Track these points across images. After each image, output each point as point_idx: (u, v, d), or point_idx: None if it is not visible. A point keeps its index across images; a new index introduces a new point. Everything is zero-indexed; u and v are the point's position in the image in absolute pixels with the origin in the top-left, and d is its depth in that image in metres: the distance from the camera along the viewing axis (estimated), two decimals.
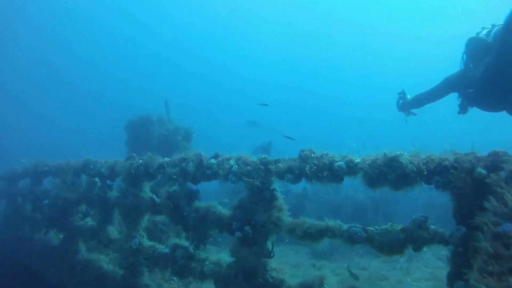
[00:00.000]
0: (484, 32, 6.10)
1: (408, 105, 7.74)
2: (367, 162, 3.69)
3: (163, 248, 5.62)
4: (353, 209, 10.88)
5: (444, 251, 10.23)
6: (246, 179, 4.33)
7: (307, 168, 3.90)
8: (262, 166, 4.34)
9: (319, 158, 3.93)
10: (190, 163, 4.98)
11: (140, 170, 5.72)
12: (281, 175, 4.15)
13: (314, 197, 11.50)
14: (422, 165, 3.44)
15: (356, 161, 3.78)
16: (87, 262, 6.88)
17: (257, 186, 4.31)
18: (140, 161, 5.81)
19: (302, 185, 11.91)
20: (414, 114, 7.84)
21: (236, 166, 4.52)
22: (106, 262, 6.85)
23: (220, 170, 4.67)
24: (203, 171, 4.84)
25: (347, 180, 4.04)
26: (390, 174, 3.53)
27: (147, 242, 5.85)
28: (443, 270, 8.42)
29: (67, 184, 7.30)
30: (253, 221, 4.38)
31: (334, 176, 3.87)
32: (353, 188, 13.59)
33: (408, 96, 7.82)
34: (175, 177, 5.09)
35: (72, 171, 7.32)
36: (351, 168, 3.80)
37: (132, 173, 5.80)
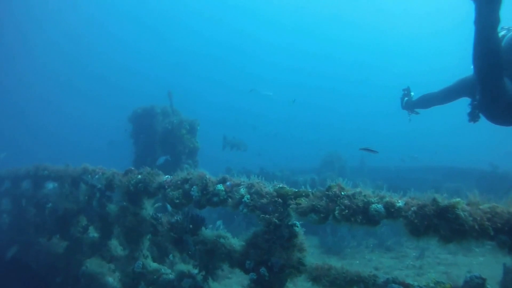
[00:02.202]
0: (502, 32, 4.99)
1: (413, 104, 6.80)
2: (412, 209, 2.78)
3: (169, 273, 4.81)
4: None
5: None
6: (262, 216, 3.43)
7: (336, 211, 2.99)
8: (279, 200, 3.44)
9: (351, 197, 3.02)
10: (194, 188, 4.08)
11: (139, 187, 4.83)
12: (303, 214, 3.24)
13: (322, 186, 10.59)
14: (486, 220, 2.51)
15: (398, 205, 2.86)
16: (92, 276, 6.10)
17: (274, 222, 3.41)
18: (139, 176, 4.91)
19: (310, 176, 11.08)
20: (417, 113, 6.94)
21: (248, 196, 3.62)
22: (112, 273, 6.09)
23: (229, 199, 3.77)
24: (209, 198, 3.96)
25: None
26: (444, 228, 2.61)
27: (151, 265, 5.03)
28: (455, 268, 7.70)
29: (66, 193, 6.46)
30: (270, 262, 3.50)
31: (369, 221, 2.96)
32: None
33: (412, 94, 6.91)
34: (177, 201, 4.20)
35: (70, 179, 6.45)
36: (391, 214, 2.89)
37: (131, 190, 4.92)
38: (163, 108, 10.64)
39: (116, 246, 5.84)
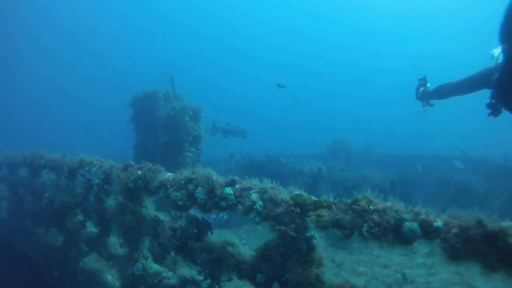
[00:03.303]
0: None
1: (429, 95, 6.38)
2: (453, 230, 2.39)
3: (170, 277, 4.49)
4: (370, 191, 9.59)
5: None
6: (277, 227, 3.05)
7: (364, 228, 2.60)
8: (297, 209, 3.05)
9: (381, 213, 2.62)
10: (199, 190, 3.69)
11: (139, 184, 4.44)
12: (323, 228, 2.86)
13: (328, 176, 10.30)
14: None
15: (436, 224, 2.48)
16: (90, 273, 5.78)
17: (291, 235, 3.04)
18: (139, 172, 4.51)
19: (317, 165, 10.68)
20: (431, 105, 6.55)
21: (261, 203, 3.23)
22: (110, 269, 5.77)
23: (239, 205, 3.38)
24: (216, 202, 3.56)
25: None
26: (491, 257, 2.23)
27: (152, 267, 4.70)
28: (468, 268, 7.37)
29: (62, 185, 6.09)
30: (284, 277, 3.14)
31: (401, 241, 2.58)
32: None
33: (428, 85, 6.50)
34: (180, 203, 3.82)
35: (67, 170, 6.07)
36: (428, 234, 2.50)
37: (130, 187, 4.53)
38: (165, 93, 10.16)
39: (114, 244, 5.51)
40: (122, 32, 53.86)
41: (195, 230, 3.80)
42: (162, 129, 9.37)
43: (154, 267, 4.71)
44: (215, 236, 3.83)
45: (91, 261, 5.92)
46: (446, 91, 6.04)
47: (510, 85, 4.41)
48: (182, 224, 3.71)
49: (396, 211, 2.62)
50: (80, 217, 5.88)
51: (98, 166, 5.37)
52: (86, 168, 5.62)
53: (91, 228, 5.93)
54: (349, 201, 2.83)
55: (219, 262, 3.59)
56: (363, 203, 2.69)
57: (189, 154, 9.26)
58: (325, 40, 59.15)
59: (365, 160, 15.08)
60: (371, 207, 2.67)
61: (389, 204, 2.67)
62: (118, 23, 53.47)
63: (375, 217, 2.62)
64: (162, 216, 4.47)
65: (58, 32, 48.97)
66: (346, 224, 2.68)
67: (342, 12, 58.76)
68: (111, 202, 5.22)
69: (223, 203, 3.52)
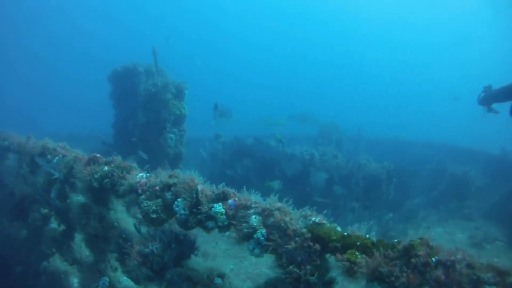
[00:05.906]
0: None
1: (491, 98, 5.56)
2: None
3: None
4: (365, 182, 8.82)
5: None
6: (288, 269, 2.12)
7: None
8: (316, 246, 2.10)
9: (449, 269, 1.69)
10: (179, 202, 2.72)
11: (105, 184, 3.43)
12: (358, 278, 1.93)
13: (321, 162, 9.38)
14: None
15: None
16: (54, 275, 4.82)
17: (306, 281, 2.11)
18: (106, 168, 3.49)
19: (309, 150, 9.72)
20: (496, 112, 5.72)
21: (264, 231, 2.28)
22: (77, 273, 4.82)
23: (233, 229, 2.43)
24: (201, 220, 2.60)
25: None
26: None
27: (121, 281, 3.74)
28: None
29: (24, 175, 5.03)
30: None
31: None
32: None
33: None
34: (154, 216, 2.84)
35: (29, 157, 4.98)
36: None
37: (95, 187, 3.51)
38: (147, 67, 8.97)
39: (80, 247, 4.53)
40: (110, 33, 50.02)
41: (174, 254, 2.83)
42: (142, 107, 8.22)
43: (124, 281, 3.76)
44: (199, 259, 2.89)
45: (56, 261, 4.96)
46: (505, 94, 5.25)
47: None
48: (155, 249, 2.72)
49: (471, 266, 1.70)
50: (43, 211, 4.84)
51: (61, 155, 4.30)
52: (49, 156, 4.56)
53: (55, 225, 4.92)
54: (396, 241, 1.90)
55: None
56: (421, 252, 1.75)
57: (171, 135, 8.18)
58: (311, 42, 56.85)
59: (357, 144, 14.22)
60: (433, 258, 1.74)
61: (459, 255, 1.74)
62: (105, 24, 49.61)
63: (440, 274, 1.70)
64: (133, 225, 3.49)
65: (46, 34, 45.02)
66: (396, 283, 1.75)
67: (332, 15, 56.58)
68: (75, 200, 4.18)
69: (210, 224, 2.56)
